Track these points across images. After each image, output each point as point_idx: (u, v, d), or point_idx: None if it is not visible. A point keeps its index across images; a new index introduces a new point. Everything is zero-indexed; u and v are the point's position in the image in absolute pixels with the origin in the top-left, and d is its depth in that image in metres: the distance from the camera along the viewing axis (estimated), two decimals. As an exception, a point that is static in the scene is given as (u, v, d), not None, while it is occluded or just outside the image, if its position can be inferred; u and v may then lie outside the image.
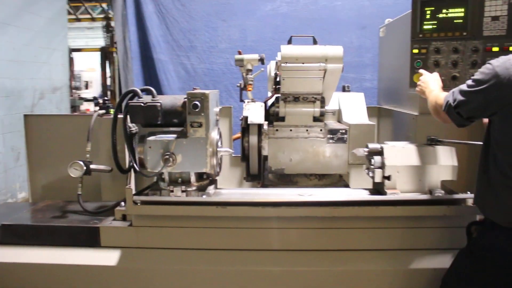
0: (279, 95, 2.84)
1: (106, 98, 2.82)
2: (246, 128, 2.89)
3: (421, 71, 2.41)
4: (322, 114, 2.83)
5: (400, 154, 2.35)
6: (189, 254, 2.34)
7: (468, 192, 2.32)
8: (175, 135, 2.38)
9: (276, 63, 2.80)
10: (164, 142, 2.35)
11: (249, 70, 2.88)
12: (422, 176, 2.34)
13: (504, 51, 2.32)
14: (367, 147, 2.43)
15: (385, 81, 3.62)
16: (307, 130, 2.83)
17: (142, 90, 2.48)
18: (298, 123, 2.83)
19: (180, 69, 4.52)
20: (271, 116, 2.91)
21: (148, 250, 2.36)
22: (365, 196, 2.46)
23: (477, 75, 1.80)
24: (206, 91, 2.34)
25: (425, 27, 2.47)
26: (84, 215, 2.55)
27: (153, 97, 2.42)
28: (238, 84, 3.12)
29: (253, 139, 2.79)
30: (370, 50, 4.51)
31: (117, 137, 2.52)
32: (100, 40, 9.75)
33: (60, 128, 3.07)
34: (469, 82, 1.84)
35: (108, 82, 9.01)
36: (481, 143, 2.03)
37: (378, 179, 2.35)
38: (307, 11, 4.58)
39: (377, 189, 2.47)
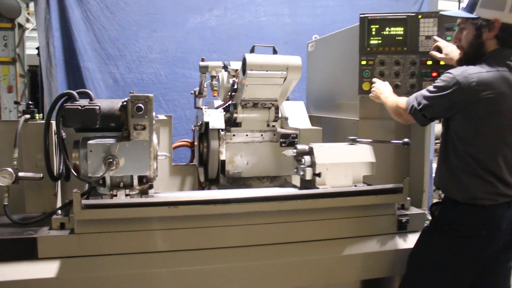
0: (233, 102, 2.98)
1: (30, 102, 2.68)
2: (204, 134, 2.98)
3: (374, 79, 2.76)
4: (276, 120, 3.03)
5: (328, 153, 2.61)
6: (139, 258, 2.30)
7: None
8: (114, 139, 2.35)
9: (236, 71, 2.94)
10: (106, 145, 2.30)
11: (213, 77, 2.98)
12: (347, 172, 2.62)
13: (436, 65, 2.78)
14: (295, 148, 2.67)
15: (315, 91, 3.95)
16: (261, 135, 3.01)
17: (79, 93, 2.41)
18: (254, 128, 3.00)
19: (109, 78, 4.40)
20: (225, 122, 3.03)
21: (93, 258, 2.26)
22: (308, 191, 2.60)
23: (439, 82, 2.17)
24: (150, 95, 2.36)
25: (371, 42, 2.83)
26: (13, 227, 2.36)
27: (91, 100, 2.37)
28: (192, 92, 3.20)
29: (214, 143, 2.89)
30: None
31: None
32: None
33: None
34: (431, 88, 2.22)
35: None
36: (397, 141, 2.66)
37: (309, 176, 2.59)
38: (234, 25, 4.78)
39: (306, 186, 2.68)
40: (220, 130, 2.91)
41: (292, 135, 3.03)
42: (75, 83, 4.30)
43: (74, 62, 4.30)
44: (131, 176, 2.40)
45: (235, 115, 2.94)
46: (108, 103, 2.41)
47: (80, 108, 2.30)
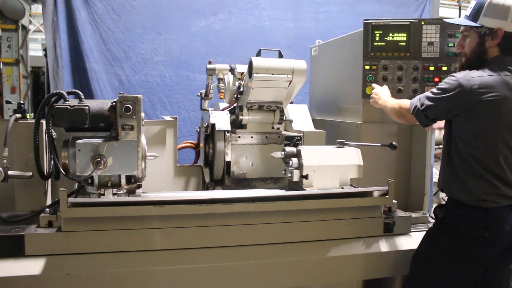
0: (239, 104, 3.04)
1: (21, 102, 2.71)
2: (210, 135, 3.04)
3: (373, 85, 2.82)
4: (280, 123, 3.09)
5: (315, 156, 2.66)
6: (125, 256, 2.31)
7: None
8: (103, 139, 2.38)
9: (242, 74, 3.00)
10: (94, 145, 2.34)
11: (220, 79, 3.04)
12: (334, 174, 2.66)
13: (438, 70, 2.85)
14: (283, 150, 2.72)
15: (318, 95, 4.01)
16: (266, 137, 3.06)
17: (69, 93, 2.46)
18: (259, 130, 3.06)
19: (114, 79, 4.45)
20: (231, 124, 3.09)
21: (79, 255, 2.28)
22: (292, 192, 2.63)
23: (443, 85, 2.24)
24: (138, 95, 2.41)
25: (375, 47, 2.89)
26: (1, 224, 2.37)
27: (81, 100, 2.41)
28: (199, 94, 3.26)
29: (220, 145, 2.94)
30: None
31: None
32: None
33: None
34: (434, 90, 2.28)
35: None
36: (377, 144, 2.72)
37: (296, 178, 2.64)
38: (238, 29, 4.85)
39: (294, 188, 2.72)
40: (226, 132, 2.96)
41: (296, 138, 3.08)
42: (81, 84, 4.35)
43: (80, 63, 4.36)
44: (119, 176, 2.44)
45: (240, 117, 2.99)
46: (97, 103, 2.45)
47: (69, 108, 2.34)
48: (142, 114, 2.49)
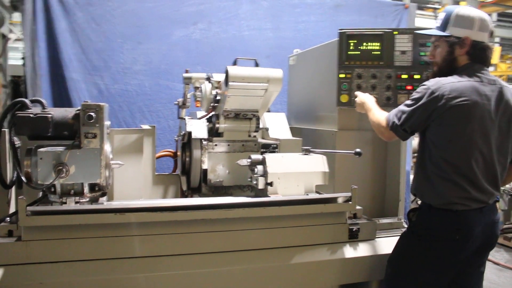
0: (215, 112, 3.07)
1: None
2: (187, 143, 3.06)
3: (356, 93, 2.88)
4: (257, 131, 3.12)
5: (280, 163, 2.70)
6: (86, 265, 2.29)
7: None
8: (65, 147, 2.39)
9: (218, 82, 3.03)
10: (56, 153, 2.34)
11: (196, 88, 3.06)
12: (299, 181, 2.70)
13: (410, 78, 2.92)
14: (249, 158, 2.75)
15: (296, 104, 4.07)
16: (243, 145, 3.10)
17: (32, 101, 2.46)
18: (235, 139, 3.09)
19: (93, 89, 4.43)
20: (208, 132, 3.11)
21: (39, 265, 2.25)
22: (255, 199, 2.66)
23: (415, 95, 2.33)
24: (102, 103, 2.42)
25: (349, 56, 2.95)
26: None
27: (44, 108, 2.42)
28: (176, 102, 3.28)
29: (196, 153, 2.97)
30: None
31: None
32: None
33: None
34: (408, 102, 2.37)
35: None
36: (343, 151, 2.81)
37: (261, 185, 2.68)
38: (218, 38, 4.88)
39: (259, 195, 2.76)
40: (203, 140, 2.99)
41: (272, 145, 3.12)
42: (60, 94, 4.34)
43: (59, 72, 4.33)
44: (82, 184, 2.43)
45: (217, 125, 3.02)
46: (61, 111, 2.46)
47: (32, 116, 2.34)
48: (108, 123, 2.50)
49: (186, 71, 3.19)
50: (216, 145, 3.04)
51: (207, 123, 3.10)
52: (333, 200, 2.63)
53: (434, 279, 2.42)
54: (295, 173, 2.68)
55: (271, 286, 2.54)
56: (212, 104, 3.07)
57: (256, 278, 2.50)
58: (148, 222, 2.34)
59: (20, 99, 2.43)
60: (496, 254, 5.90)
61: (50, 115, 2.36)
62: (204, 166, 3.00)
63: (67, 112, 2.45)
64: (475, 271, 2.54)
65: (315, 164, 2.74)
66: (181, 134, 3.14)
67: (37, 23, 4.23)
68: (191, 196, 3.15)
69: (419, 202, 2.53)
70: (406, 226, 2.81)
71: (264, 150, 3.11)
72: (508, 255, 5.92)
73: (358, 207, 2.74)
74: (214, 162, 3.03)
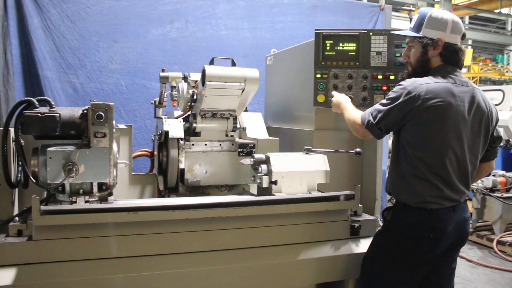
0: (192, 112, 3.06)
1: None
2: (164, 143, 3.03)
3: (333, 93, 2.91)
4: (234, 130, 3.12)
5: (284, 162, 2.74)
6: (97, 264, 2.30)
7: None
8: (74, 146, 2.38)
9: (195, 82, 3.02)
10: (66, 152, 2.33)
11: (173, 87, 3.04)
12: (302, 180, 2.75)
13: (386, 79, 2.96)
14: (252, 157, 2.77)
15: (273, 103, 4.08)
16: (220, 145, 3.09)
17: (39, 101, 2.44)
18: (213, 138, 3.08)
19: (68, 87, 4.36)
20: (185, 131, 3.10)
21: (50, 264, 2.25)
22: (264, 197, 2.69)
23: (391, 94, 2.36)
24: (110, 103, 2.42)
25: (326, 56, 2.98)
26: None
27: (51, 107, 2.40)
28: (153, 101, 3.25)
29: (173, 152, 2.95)
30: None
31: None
32: None
33: None
34: (384, 101, 2.39)
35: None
36: (343, 151, 2.83)
37: (265, 184, 2.70)
38: (195, 38, 4.86)
39: (263, 194, 2.79)
40: (180, 139, 2.97)
41: (249, 145, 3.12)
42: (34, 92, 4.24)
43: (32, 70, 4.25)
44: (91, 183, 2.43)
45: (194, 125, 3.01)
46: (68, 111, 2.44)
47: (40, 115, 2.32)
48: (113, 122, 2.48)
49: (163, 70, 3.17)
50: (193, 144, 3.03)
51: (184, 123, 3.08)
52: (336, 198, 2.67)
53: (408, 276, 2.46)
54: (298, 172, 2.72)
55: (276, 283, 2.58)
56: (189, 104, 3.05)
57: (260, 276, 2.53)
58: (160, 221, 2.36)
59: (28, 98, 2.40)
60: (469, 252, 6.04)
61: (58, 114, 2.34)
62: (181, 166, 2.99)
63: (74, 111, 2.43)
64: (447, 268, 2.59)
65: (317, 163, 2.78)
66: (158, 133, 3.11)
67: (8, 19, 4.14)
68: (168, 196, 3.13)
69: (394, 201, 2.57)
70: (381, 224, 2.85)
71: (242, 149, 3.11)
72: (480, 253, 6.05)
73: (359, 205, 2.82)
74: (191, 162, 3.02)
